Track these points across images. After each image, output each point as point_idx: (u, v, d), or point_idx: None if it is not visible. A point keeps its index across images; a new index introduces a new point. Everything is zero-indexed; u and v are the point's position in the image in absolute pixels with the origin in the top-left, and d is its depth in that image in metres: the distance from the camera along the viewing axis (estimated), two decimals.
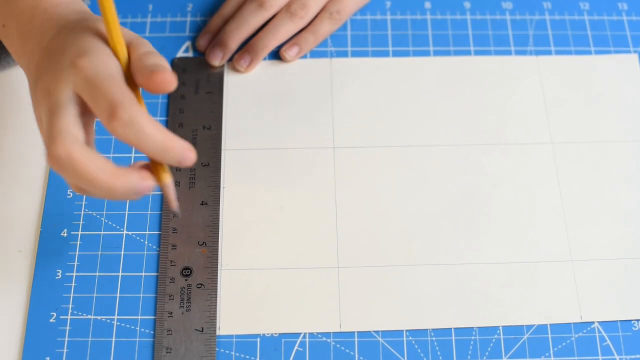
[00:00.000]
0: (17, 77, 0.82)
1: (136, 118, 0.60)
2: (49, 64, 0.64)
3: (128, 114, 0.59)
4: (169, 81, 0.62)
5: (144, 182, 0.62)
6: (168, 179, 0.63)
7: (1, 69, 0.81)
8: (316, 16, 0.84)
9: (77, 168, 0.60)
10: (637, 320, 0.71)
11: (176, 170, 0.76)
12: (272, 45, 0.83)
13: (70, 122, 0.61)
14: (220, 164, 0.77)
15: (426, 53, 0.84)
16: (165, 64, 0.63)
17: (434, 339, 0.70)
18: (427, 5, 0.87)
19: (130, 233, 0.74)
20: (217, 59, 0.82)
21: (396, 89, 0.82)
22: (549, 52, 0.84)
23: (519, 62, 0.84)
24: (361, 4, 0.85)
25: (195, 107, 0.80)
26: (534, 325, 0.71)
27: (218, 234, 0.74)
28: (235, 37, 0.82)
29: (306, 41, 0.83)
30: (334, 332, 0.71)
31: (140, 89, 0.64)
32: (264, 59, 0.83)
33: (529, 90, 0.82)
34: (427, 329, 0.71)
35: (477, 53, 0.84)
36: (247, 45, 0.83)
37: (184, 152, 0.62)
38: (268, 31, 0.83)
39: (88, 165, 0.60)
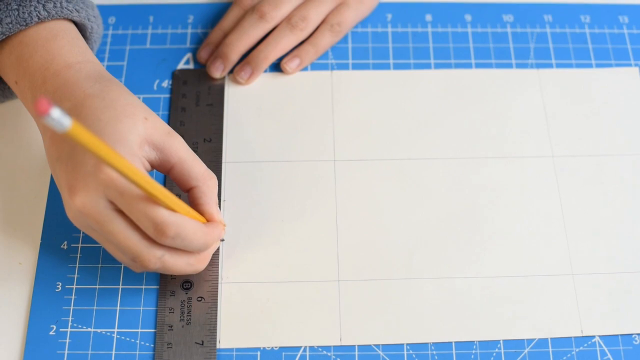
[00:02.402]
0: None
1: (182, 231, 0.65)
2: (70, 156, 0.65)
3: (174, 230, 0.64)
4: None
5: (223, 231, 0.71)
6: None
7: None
8: (317, 28, 0.84)
9: (184, 240, 0.66)
10: (638, 334, 0.71)
11: (174, 184, 0.76)
12: (273, 57, 0.83)
13: (137, 237, 0.66)
14: (220, 177, 0.77)
15: (427, 66, 0.84)
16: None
17: (434, 352, 0.70)
18: (428, 17, 0.87)
19: None
20: (218, 71, 0.82)
21: (397, 102, 0.82)
22: (549, 65, 0.84)
23: (520, 75, 0.84)
24: (362, 16, 0.85)
25: (196, 119, 0.80)
26: (535, 339, 0.71)
27: (219, 247, 0.74)
28: (236, 48, 0.82)
29: (307, 53, 0.83)
30: (334, 346, 0.70)
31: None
32: (265, 71, 0.83)
33: (530, 103, 0.82)
34: (427, 343, 0.71)
35: (478, 66, 0.84)
36: (247, 57, 0.83)
37: (220, 235, 0.70)
38: (268, 43, 0.83)
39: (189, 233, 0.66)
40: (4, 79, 0.73)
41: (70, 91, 0.68)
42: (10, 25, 0.70)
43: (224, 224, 0.71)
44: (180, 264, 0.68)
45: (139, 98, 0.81)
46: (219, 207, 0.75)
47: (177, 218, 0.65)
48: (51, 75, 0.69)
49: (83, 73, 0.69)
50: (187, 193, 0.70)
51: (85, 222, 0.66)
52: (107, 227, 0.65)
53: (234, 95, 0.82)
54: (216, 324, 0.71)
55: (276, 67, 0.84)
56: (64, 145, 0.66)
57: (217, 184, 0.70)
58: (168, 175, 0.69)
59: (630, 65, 0.85)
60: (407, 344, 0.71)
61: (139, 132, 0.66)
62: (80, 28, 0.75)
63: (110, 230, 0.65)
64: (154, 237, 0.65)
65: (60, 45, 0.70)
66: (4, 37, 0.70)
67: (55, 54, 0.70)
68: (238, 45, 0.82)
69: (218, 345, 0.70)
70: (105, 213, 0.65)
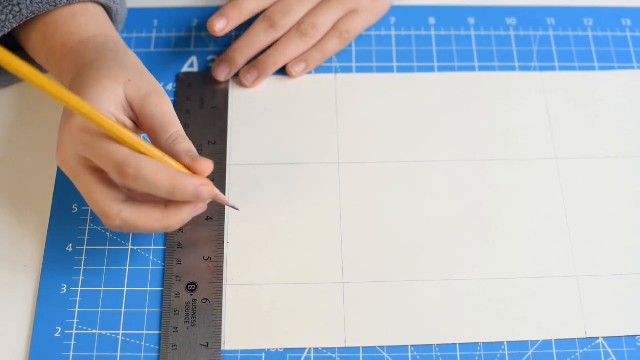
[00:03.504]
0: (24, 94, 0.82)
1: (142, 170, 0.64)
2: (61, 120, 0.68)
3: (134, 169, 0.64)
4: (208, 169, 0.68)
5: (204, 187, 0.66)
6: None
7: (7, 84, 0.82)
8: (325, 34, 0.84)
9: (137, 223, 0.67)
10: None
11: None
12: (282, 63, 0.83)
13: (100, 192, 0.66)
14: (225, 179, 0.77)
15: (430, 69, 0.84)
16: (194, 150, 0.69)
17: (438, 354, 0.70)
18: (432, 21, 0.87)
19: (135, 248, 0.74)
20: (223, 74, 0.83)
21: (401, 105, 0.82)
22: (553, 68, 0.84)
23: (524, 78, 0.84)
24: (370, 24, 0.86)
25: (201, 122, 0.80)
26: (539, 340, 0.71)
27: (223, 249, 0.74)
28: (245, 53, 0.83)
29: (313, 58, 0.83)
30: (339, 348, 0.71)
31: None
32: None
33: (534, 106, 0.82)
34: (432, 344, 0.71)
35: (481, 69, 0.84)
36: (255, 61, 0.83)
37: (198, 189, 0.66)
38: (277, 49, 0.83)
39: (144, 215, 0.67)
40: (35, 59, 0.76)
41: (77, 59, 0.71)
42: (40, 4, 0.73)
43: (210, 163, 0.68)
44: (142, 220, 0.67)
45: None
46: (224, 209, 0.76)
47: (139, 157, 0.65)
48: (68, 52, 0.72)
49: (90, 46, 0.72)
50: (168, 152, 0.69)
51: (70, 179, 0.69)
52: (78, 182, 0.67)
53: (238, 98, 0.82)
54: (221, 325, 0.71)
55: (281, 70, 0.84)
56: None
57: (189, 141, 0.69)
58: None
59: (633, 67, 0.85)
60: (412, 346, 0.71)
61: (117, 92, 0.68)
62: (106, 10, 0.77)
63: (80, 185, 0.67)
64: (118, 180, 0.65)
65: (78, 23, 0.73)
66: (33, 15, 0.73)
67: (74, 31, 0.73)
68: (247, 51, 0.82)
69: (223, 347, 0.70)
70: (77, 169, 0.67)
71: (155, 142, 0.68)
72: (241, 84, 0.83)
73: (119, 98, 0.68)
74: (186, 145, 0.68)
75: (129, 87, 0.68)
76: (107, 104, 0.67)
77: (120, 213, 0.66)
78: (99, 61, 0.70)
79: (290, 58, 0.83)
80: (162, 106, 0.69)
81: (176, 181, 0.65)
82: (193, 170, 0.67)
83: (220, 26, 0.80)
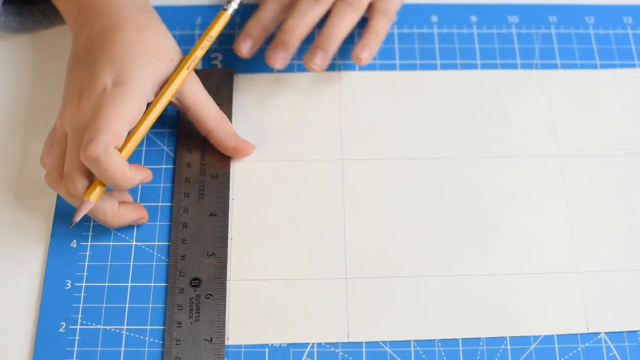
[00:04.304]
0: (32, 77, 0.82)
1: (106, 159, 0.68)
2: (86, 68, 0.72)
3: (98, 151, 0.67)
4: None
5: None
6: (95, 199, 0.71)
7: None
8: (371, 17, 0.82)
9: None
10: None
11: (185, 182, 0.77)
12: (341, 35, 0.80)
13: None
14: (229, 176, 0.78)
15: (433, 66, 0.85)
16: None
17: (441, 349, 0.71)
18: (434, 18, 0.88)
19: (139, 244, 0.75)
20: (280, 60, 0.80)
21: (404, 103, 0.82)
22: (554, 66, 0.85)
23: (526, 76, 0.84)
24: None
25: None
26: (541, 335, 0.71)
27: (227, 245, 0.74)
28: (297, 34, 0.80)
29: (374, 40, 0.81)
30: (342, 343, 0.71)
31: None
32: (273, 71, 0.84)
33: (536, 104, 0.83)
34: (434, 340, 0.71)
35: (483, 66, 0.85)
36: (315, 43, 0.80)
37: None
38: (332, 23, 0.80)
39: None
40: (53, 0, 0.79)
41: (113, 9, 0.73)
42: None
43: (253, 147, 0.77)
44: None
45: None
46: (228, 205, 0.76)
47: (111, 148, 0.68)
48: None
49: None
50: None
51: (64, 128, 0.71)
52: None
53: (242, 96, 0.83)
54: (225, 320, 0.71)
55: (285, 69, 0.84)
56: (92, 52, 0.72)
57: (229, 122, 0.77)
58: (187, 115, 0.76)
59: (634, 65, 0.85)
60: (415, 341, 0.71)
61: (158, 71, 0.72)
62: None
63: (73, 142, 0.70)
64: (81, 150, 0.68)
65: None
66: None
67: None
68: (299, 31, 0.80)
69: (227, 342, 0.70)
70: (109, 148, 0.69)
71: (201, 116, 0.75)
72: (310, 69, 0.80)
73: (158, 78, 0.73)
74: (231, 127, 0.76)
75: (170, 66, 0.73)
76: (145, 83, 0.71)
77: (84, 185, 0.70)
78: (144, 27, 0.73)
79: (347, 30, 0.80)
80: (196, 90, 0.75)
81: (129, 182, 0.71)
82: (239, 151, 0.77)
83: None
